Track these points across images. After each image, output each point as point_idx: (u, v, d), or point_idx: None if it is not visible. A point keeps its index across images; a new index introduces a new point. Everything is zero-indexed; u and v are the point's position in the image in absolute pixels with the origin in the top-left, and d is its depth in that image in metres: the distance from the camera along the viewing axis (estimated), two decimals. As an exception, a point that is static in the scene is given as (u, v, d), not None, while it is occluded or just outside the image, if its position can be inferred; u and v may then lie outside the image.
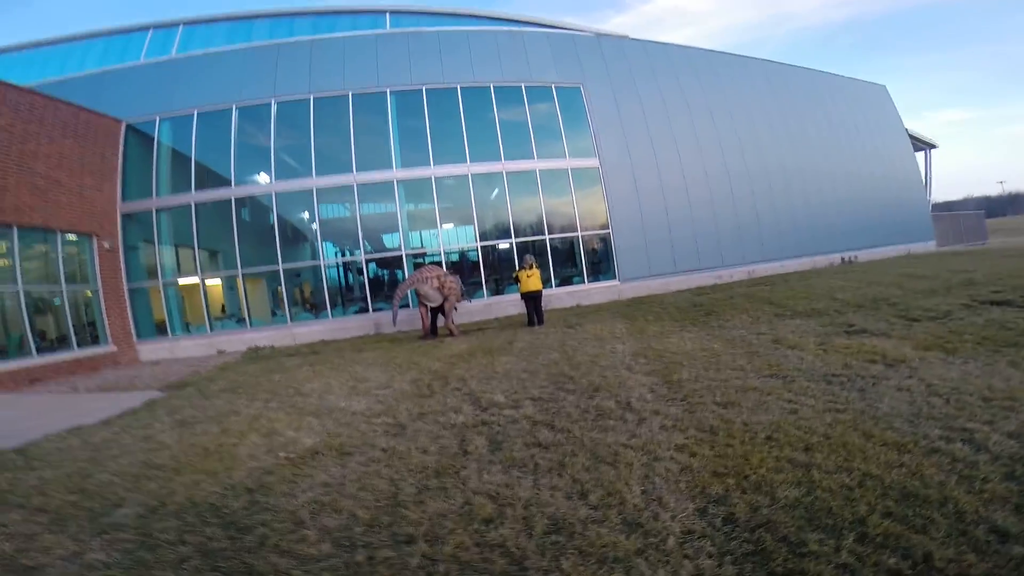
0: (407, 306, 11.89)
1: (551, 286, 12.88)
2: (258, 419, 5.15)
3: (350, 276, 13.54)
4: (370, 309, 12.23)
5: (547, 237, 13.14)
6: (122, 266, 12.31)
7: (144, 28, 14.49)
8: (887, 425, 3.34)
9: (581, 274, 13.44)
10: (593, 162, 13.69)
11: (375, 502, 3.00)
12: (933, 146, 26.86)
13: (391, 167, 12.56)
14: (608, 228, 13.59)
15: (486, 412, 4.56)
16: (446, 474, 3.29)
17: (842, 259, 17.54)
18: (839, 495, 2.53)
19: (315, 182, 12.36)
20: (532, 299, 10.11)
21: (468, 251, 13.19)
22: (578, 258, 13.49)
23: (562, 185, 13.45)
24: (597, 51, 14.61)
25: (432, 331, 10.13)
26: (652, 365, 5.65)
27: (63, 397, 8.07)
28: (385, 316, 12.01)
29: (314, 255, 12.41)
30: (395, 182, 12.56)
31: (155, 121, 12.75)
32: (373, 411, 5.03)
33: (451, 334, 9.88)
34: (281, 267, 12.15)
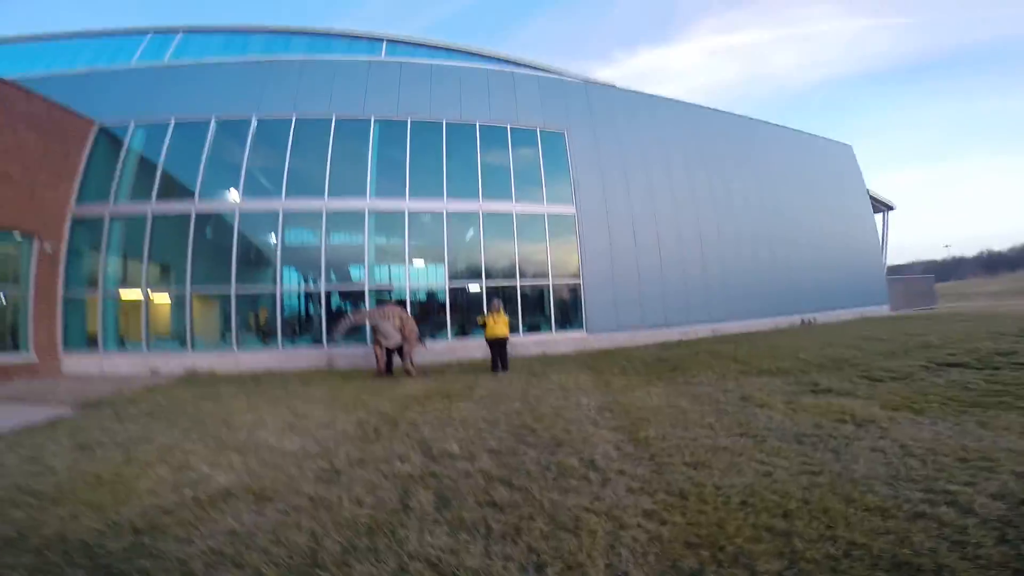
0: (363, 340, 11.28)
1: (518, 333, 12.51)
2: (172, 450, 4.57)
3: (308, 306, 12.86)
4: (324, 343, 11.52)
5: (518, 282, 12.86)
6: (61, 271, 11.41)
7: (143, 31, 14.24)
8: (867, 488, 3.18)
9: (549, 322, 13.15)
10: (570, 209, 13.70)
11: (288, 559, 2.51)
12: (891, 207, 27.74)
13: (364, 196, 12.23)
14: (579, 278, 13.46)
15: (436, 463, 4.09)
16: (380, 532, 2.82)
17: (802, 320, 17.93)
18: (825, 567, 2.30)
19: (283, 204, 11.88)
20: (497, 345, 9.72)
21: (436, 291, 12.75)
22: (547, 306, 13.25)
23: (537, 231, 13.35)
24: (584, 98, 14.88)
25: (387, 370, 9.56)
26: (618, 420, 5.31)
27: (-43, 409, 7.08)
28: (340, 352, 11.36)
29: (272, 280, 11.70)
30: (367, 212, 12.16)
31: (129, 126, 12.26)
32: (307, 452, 4.49)
33: (408, 374, 9.33)
34: (234, 289, 11.43)
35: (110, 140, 12.28)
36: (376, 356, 9.60)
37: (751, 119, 19.34)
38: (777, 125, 20.32)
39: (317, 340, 11.76)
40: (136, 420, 5.94)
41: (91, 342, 11.48)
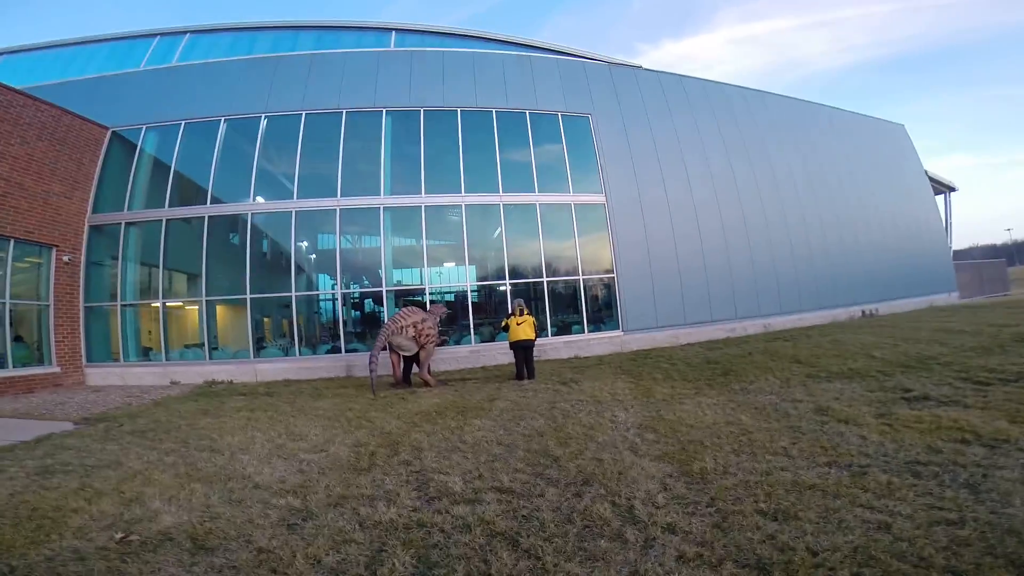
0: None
1: (547, 334, 11.55)
2: (134, 478, 4.01)
3: (324, 311, 12.32)
4: (343, 349, 10.88)
5: (545, 279, 11.85)
6: (81, 282, 11.20)
7: (151, 35, 14.03)
8: (1040, 543, 2.21)
9: (581, 322, 12.08)
10: (599, 198, 12.60)
11: None
12: (952, 189, 25.59)
13: (379, 193, 11.52)
14: (613, 272, 12.32)
15: (430, 506, 3.24)
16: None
17: (863, 312, 16.32)
18: None
19: (295, 205, 11.34)
20: (522, 349, 8.74)
21: (457, 291, 11.94)
22: (579, 304, 12.18)
23: (565, 223, 12.33)
24: (608, 81, 13.82)
25: (404, 379, 8.78)
26: (664, 444, 4.30)
27: (-44, 425, 6.80)
28: (358, 359, 10.74)
29: (286, 286, 11.17)
30: (381, 209, 11.46)
31: (141, 130, 11.96)
32: (283, 486, 3.73)
33: (427, 384, 8.51)
34: (248, 295, 10.94)
35: (124, 146, 11.96)
36: (393, 364, 8.86)
37: (794, 99, 17.90)
38: (822, 105, 18.72)
39: (335, 348, 11.17)
40: (121, 439, 5.39)
41: (114, 353, 11.27)
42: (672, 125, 14.03)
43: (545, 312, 11.69)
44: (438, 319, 9.19)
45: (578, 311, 12.19)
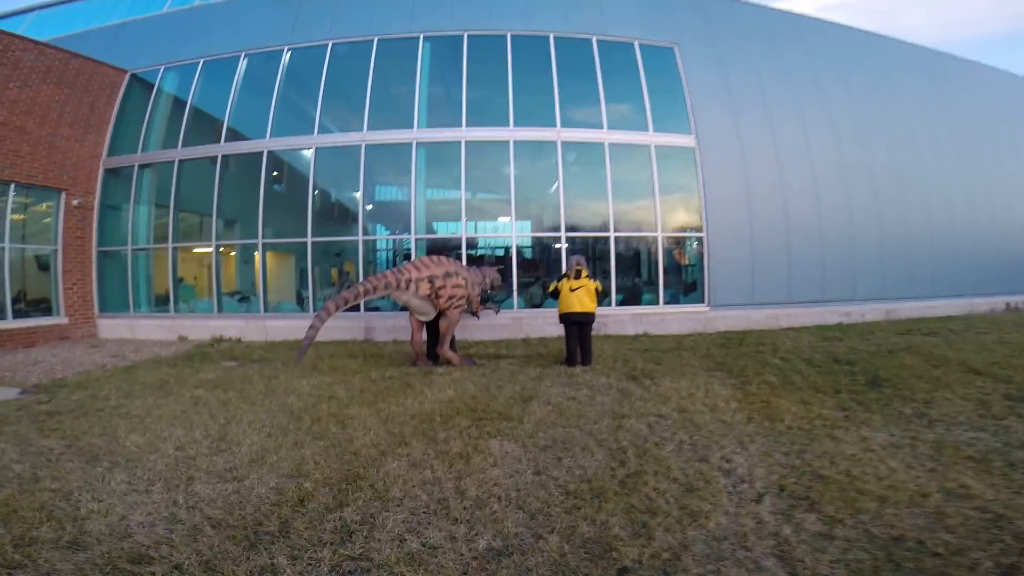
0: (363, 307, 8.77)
1: (610, 303, 9.34)
2: None
3: (343, 262, 10.71)
4: (362, 308, 9.16)
5: (612, 235, 9.46)
6: (94, 226, 10.33)
7: None
8: None
9: (655, 291, 9.67)
10: (687, 140, 9.91)
11: None
12: None
13: (411, 126, 9.54)
14: (702, 231, 9.69)
15: None
16: None
17: (1007, 305, 13.13)
18: None
19: (315, 140, 9.64)
20: (577, 325, 6.53)
21: (499, 244, 9.91)
22: (653, 268, 9.78)
23: (641, 168, 9.79)
24: (698, 9, 10.95)
25: (428, 354, 6.79)
26: (845, 544, 2.08)
27: None
28: (379, 320, 9.12)
29: (301, 231, 9.55)
30: (414, 144, 9.45)
31: (159, 71, 10.89)
32: (109, 550, 1.95)
33: (449, 362, 6.54)
34: (260, 240, 9.51)
35: (143, 88, 10.96)
36: (412, 333, 6.83)
37: (937, 51, 14.15)
38: (974, 62, 14.86)
39: (354, 305, 9.56)
40: (14, 425, 3.95)
41: (125, 303, 10.33)
42: (782, 65, 11.00)
43: (610, 275, 9.41)
44: (484, 282, 7.17)
45: (652, 277, 9.84)
